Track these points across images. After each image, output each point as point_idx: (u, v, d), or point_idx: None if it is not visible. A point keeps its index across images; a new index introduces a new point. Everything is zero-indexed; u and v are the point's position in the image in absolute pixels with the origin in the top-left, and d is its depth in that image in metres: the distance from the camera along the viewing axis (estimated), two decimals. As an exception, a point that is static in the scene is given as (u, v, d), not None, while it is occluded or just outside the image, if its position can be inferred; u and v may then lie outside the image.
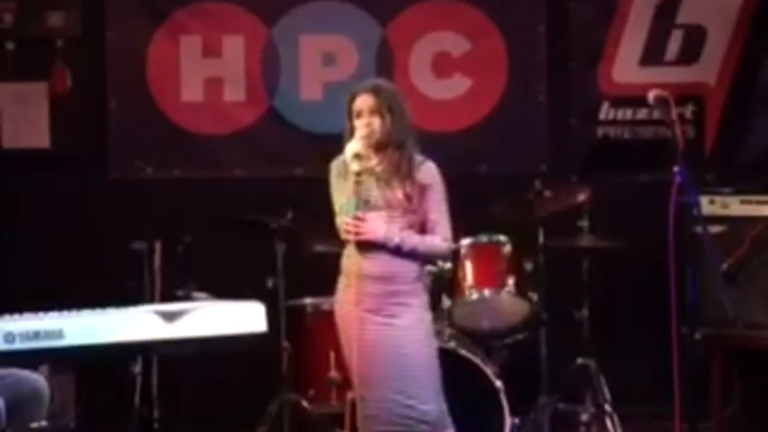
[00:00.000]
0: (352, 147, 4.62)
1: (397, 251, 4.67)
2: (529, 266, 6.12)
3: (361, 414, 4.74)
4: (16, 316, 3.79)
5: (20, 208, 6.87)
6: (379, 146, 4.71)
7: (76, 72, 6.96)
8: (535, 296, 6.09)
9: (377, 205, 4.69)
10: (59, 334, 3.70)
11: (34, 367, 5.03)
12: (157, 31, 6.99)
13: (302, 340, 6.18)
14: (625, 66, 6.99)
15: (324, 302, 6.18)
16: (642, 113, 6.97)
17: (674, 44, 6.97)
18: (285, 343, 6.12)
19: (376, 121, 4.68)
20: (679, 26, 6.96)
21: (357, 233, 4.62)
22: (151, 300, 5.95)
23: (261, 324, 3.93)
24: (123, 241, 6.21)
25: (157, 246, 6.18)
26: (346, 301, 4.75)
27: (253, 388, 6.29)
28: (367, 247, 4.66)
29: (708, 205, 6.06)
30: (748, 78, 6.96)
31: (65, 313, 3.79)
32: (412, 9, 7.00)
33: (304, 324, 6.19)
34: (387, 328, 4.66)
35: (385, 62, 6.96)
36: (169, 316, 3.82)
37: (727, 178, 6.54)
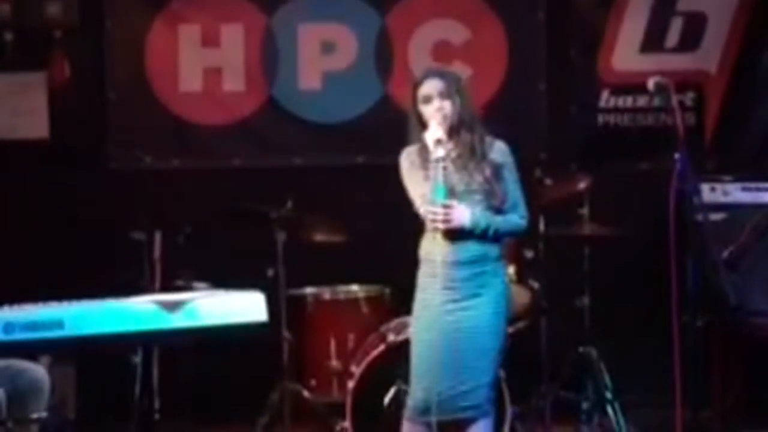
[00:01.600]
0: (433, 133, 4.56)
1: (484, 235, 4.65)
2: (529, 254, 6.12)
3: (411, 402, 4.69)
4: (16, 307, 3.79)
5: (19, 199, 6.86)
6: (452, 130, 4.65)
7: (74, 62, 6.95)
8: (535, 284, 6.09)
9: (459, 191, 4.64)
10: (59, 325, 3.70)
11: (34, 357, 5.03)
12: (155, 20, 6.98)
13: (303, 329, 6.18)
14: (625, 53, 6.98)
15: (324, 292, 6.19)
16: (642, 101, 6.96)
17: (674, 31, 6.95)
18: (285, 333, 6.11)
19: (447, 105, 4.65)
20: (680, 13, 6.95)
21: (445, 221, 4.57)
22: (151, 290, 5.94)
23: (261, 314, 3.93)
24: (122, 231, 6.20)
25: (157, 236, 6.17)
26: (428, 289, 4.69)
27: (254, 378, 6.28)
28: (453, 233, 4.61)
29: (709, 192, 6.05)
30: (748, 65, 6.95)
31: (65, 304, 3.79)
32: (411, -3, 7.01)
33: (305, 313, 6.19)
34: (466, 313, 4.62)
35: (385, 51, 6.95)
36: (170, 307, 3.82)
37: (728, 165, 6.54)
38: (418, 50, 6.97)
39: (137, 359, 5.69)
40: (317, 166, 6.84)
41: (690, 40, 6.95)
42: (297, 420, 6.09)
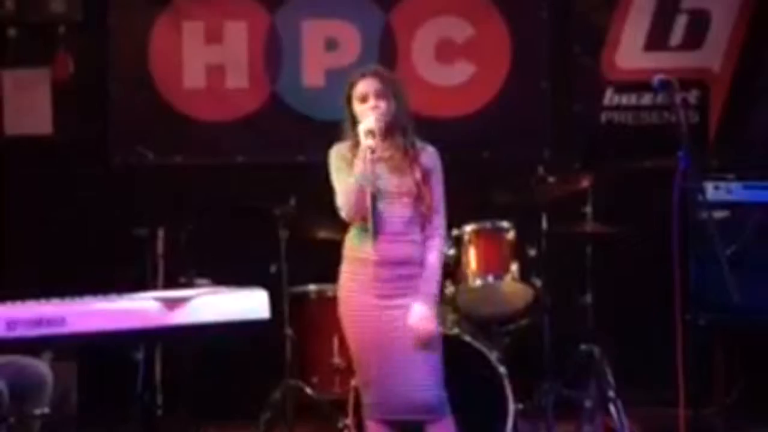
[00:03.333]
0: (367, 123, 4.56)
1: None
2: (532, 252, 6.11)
3: (365, 401, 4.74)
4: (18, 303, 3.79)
5: (22, 195, 6.86)
6: (386, 132, 4.67)
7: (77, 58, 6.95)
8: (538, 282, 6.08)
9: (390, 192, 4.66)
10: (61, 322, 3.69)
11: (36, 354, 5.03)
12: (159, 17, 6.98)
13: (305, 326, 6.17)
14: (629, 51, 6.97)
15: (327, 289, 6.18)
16: (646, 99, 6.96)
17: (678, 29, 6.95)
18: (288, 330, 6.11)
19: (383, 104, 4.65)
20: (684, 11, 6.95)
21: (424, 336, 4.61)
22: (153, 287, 5.94)
23: (264, 311, 3.93)
24: (125, 227, 6.21)
25: (160, 233, 6.18)
26: (356, 289, 4.71)
27: (256, 375, 6.29)
28: (382, 233, 4.63)
29: (712, 190, 6.04)
30: (752, 63, 6.94)
31: (67, 300, 3.78)
32: (414, -6, 7.00)
33: (308, 311, 6.19)
34: (397, 312, 4.64)
35: (388, 48, 6.95)
36: (172, 303, 3.81)
37: (732, 163, 6.52)
38: (421, 48, 6.97)
39: (139, 356, 5.70)
40: (320, 164, 6.80)
41: (694, 38, 6.94)
42: (299, 417, 6.09)
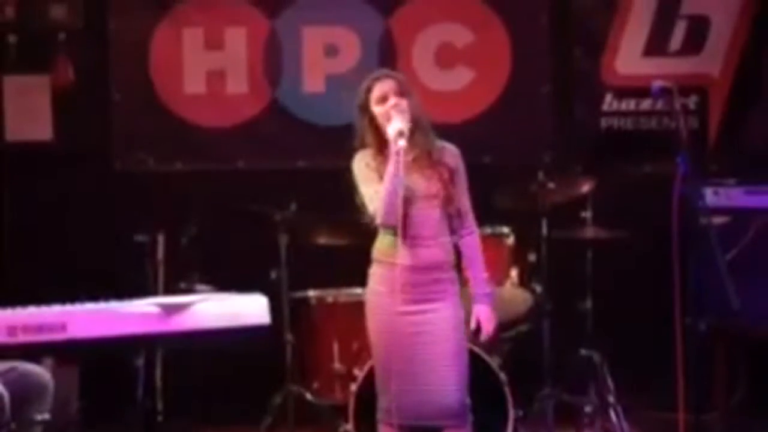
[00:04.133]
0: (395, 125, 4.50)
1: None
2: (532, 257, 6.12)
3: (381, 404, 4.70)
4: (19, 309, 3.79)
5: (23, 201, 6.87)
6: (409, 133, 4.57)
7: (78, 64, 6.95)
8: (538, 287, 6.08)
9: (419, 195, 4.62)
10: (62, 327, 3.70)
11: (37, 360, 5.03)
12: (159, 23, 6.98)
13: (306, 332, 6.18)
14: (629, 57, 6.98)
15: (328, 294, 6.19)
16: (645, 104, 6.96)
17: (678, 35, 6.96)
18: (289, 336, 6.12)
19: (404, 102, 4.60)
20: (683, 17, 6.95)
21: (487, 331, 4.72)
22: (154, 293, 5.95)
23: (264, 316, 3.93)
24: (126, 233, 6.21)
25: (160, 238, 6.19)
26: (383, 293, 4.67)
27: (257, 381, 6.29)
28: (411, 236, 4.60)
29: (712, 195, 6.04)
30: (751, 69, 6.95)
31: (68, 306, 3.79)
32: (414, 0, 6.99)
33: (308, 316, 6.20)
34: (425, 317, 4.62)
35: (388, 54, 6.95)
36: (172, 309, 3.82)
37: (731, 168, 6.53)
38: (421, 53, 6.98)
39: (140, 362, 5.71)
40: (320, 169, 6.84)
41: (693, 44, 6.95)
42: (300, 422, 6.10)
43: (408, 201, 4.55)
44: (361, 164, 4.67)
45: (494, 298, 4.78)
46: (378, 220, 4.61)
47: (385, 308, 4.65)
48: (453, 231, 4.73)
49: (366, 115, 4.67)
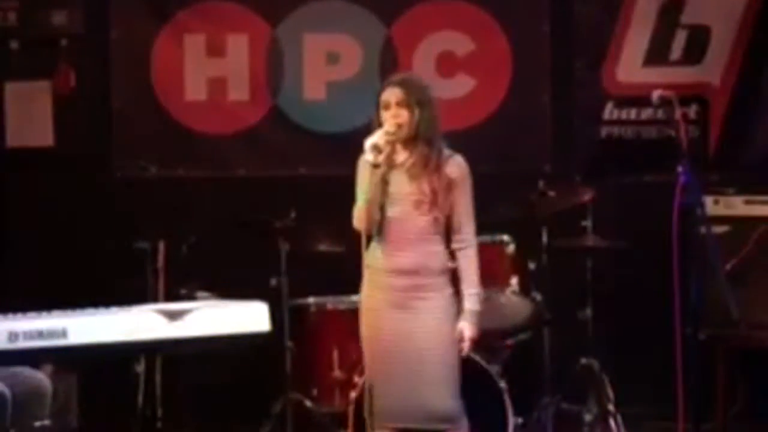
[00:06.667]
0: (372, 138, 4.60)
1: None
2: (532, 266, 6.11)
3: (375, 408, 4.71)
4: (20, 315, 3.79)
5: (24, 207, 6.87)
6: (408, 140, 4.70)
7: (79, 71, 6.96)
8: (538, 296, 6.08)
9: (405, 199, 4.68)
10: (63, 333, 3.70)
11: (36, 366, 5.03)
12: (161, 30, 6.99)
13: (306, 339, 6.18)
14: (630, 66, 6.98)
15: (328, 301, 6.18)
16: (646, 113, 6.96)
17: (678, 44, 6.96)
18: (288, 343, 6.12)
19: (404, 114, 4.67)
20: (684, 26, 6.96)
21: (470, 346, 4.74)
22: (154, 299, 5.95)
23: (264, 323, 3.93)
24: (126, 240, 6.21)
25: (161, 245, 6.18)
26: (371, 297, 4.74)
27: (257, 388, 6.29)
28: (396, 241, 4.68)
29: (712, 205, 6.06)
30: (752, 78, 6.95)
31: (69, 312, 3.79)
32: (416, 8, 7.00)
33: (308, 323, 6.19)
34: (412, 322, 4.66)
35: (389, 62, 6.95)
36: (173, 316, 3.82)
37: (731, 178, 6.54)
38: (422, 61, 6.98)
39: (140, 368, 5.71)
40: (321, 176, 6.84)
41: (694, 53, 6.95)
42: (299, 430, 6.09)
43: (394, 205, 4.66)
44: (359, 168, 4.74)
45: (479, 315, 4.79)
46: (354, 224, 4.70)
47: (371, 312, 4.74)
48: (449, 240, 4.76)
49: (377, 117, 4.75)
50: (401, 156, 4.72)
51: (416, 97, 4.71)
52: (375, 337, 4.73)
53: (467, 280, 4.77)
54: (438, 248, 4.74)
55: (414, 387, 4.63)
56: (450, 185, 4.72)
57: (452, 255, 4.81)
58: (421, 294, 4.69)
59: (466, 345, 4.73)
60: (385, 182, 4.66)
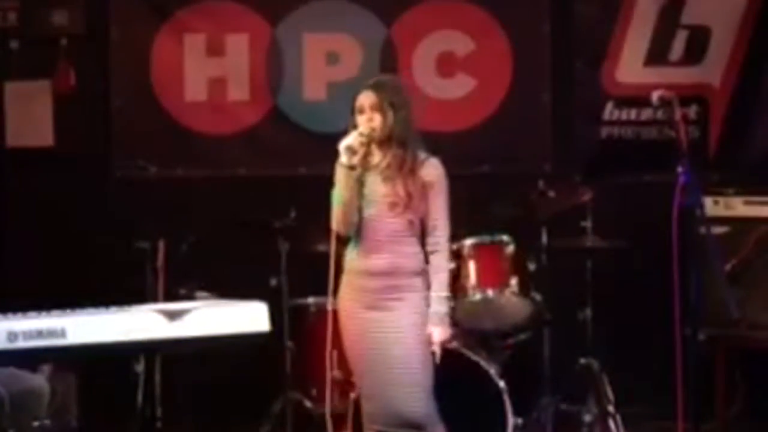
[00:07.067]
0: (346, 140, 4.65)
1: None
2: (532, 266, 6.11)
3: (363, 410, 4.80)
4: (19, 315, 3.79)
5: (23, 206, 6.87)
6: (382, 143, 4.73)
7: (79, 70, 6.97)
8: (538, 296, 6.08)
9: (379, 201, 4.71)
10: (62, 333, 3.69)
11: (34, 366, 5.03)
12: (160, 29, 6.99)
13: (305, 339, 6.17)
14: (630, 66, 6.98)
15: (327, 302, 6.18)
16: (646, 114, 6.96)
17: (679, 45, 6.96)
18: (288, 343, 6.12)
19: (377, 118, 4.70)
20: (684, 27, 6.96)
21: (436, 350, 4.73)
22: (153, 299, 5.94)
23: (264, 323, 3.93)
24: (126, 240, 6.21)
25: (160, 245, 6.18)
26: (348, 299, 4.80)
27: (256, 388, 6.29)
28: (371, 243, 4.71)
29: (712, 205, 6.06)
30: (752, 79, 6.95)
31: (68, 312, 3.79)
32: (416, 8, 7.00)
33: (308, 323, 6.19)
34: (384, 324, 4.69)
35: (389, 62, 6.96)
36: (172, 316, 3.82)
37: (731, 178, 6.54)
38: (422, 61, 6.98)
39: (139, 368, 5.70)
40: (321, 176, 6.81)
41: (694, 54, 6.95)
42: (299, 430, 6.09)
43: (369, 207, 4.70)
44: (336, 170, 4.77)
45: (447, 317, 4.79)
46: (332, 226, 4.76)
47: (347, 313, 4.79)
48: (423, 243, 4.78)
49: (352, 120, 4.79)
50: (376, 158, 4.75)
51: (389, 100, 4.73)
52: (352, 339, 4.77)
53: (436, 283, 4.77)
54: (413, 249, 4.76)
55: (386, 391, 4.67)
56: (425, 188, 4.73)
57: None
58: (396, 295, 4.71)
59: (436, 349, 4.73)
60: (360, 184, 4.70)
